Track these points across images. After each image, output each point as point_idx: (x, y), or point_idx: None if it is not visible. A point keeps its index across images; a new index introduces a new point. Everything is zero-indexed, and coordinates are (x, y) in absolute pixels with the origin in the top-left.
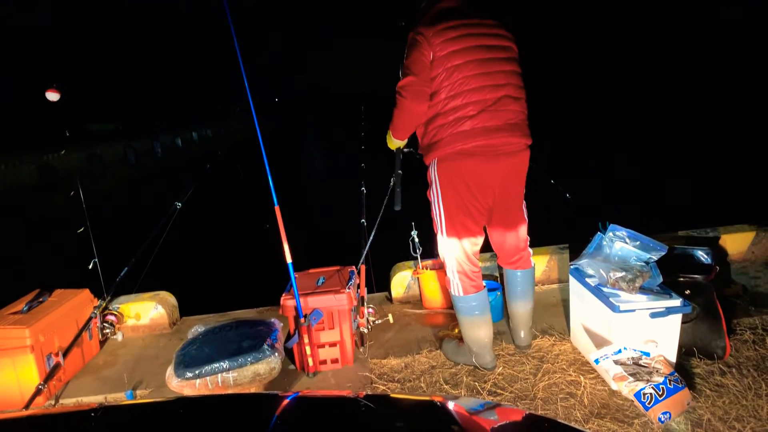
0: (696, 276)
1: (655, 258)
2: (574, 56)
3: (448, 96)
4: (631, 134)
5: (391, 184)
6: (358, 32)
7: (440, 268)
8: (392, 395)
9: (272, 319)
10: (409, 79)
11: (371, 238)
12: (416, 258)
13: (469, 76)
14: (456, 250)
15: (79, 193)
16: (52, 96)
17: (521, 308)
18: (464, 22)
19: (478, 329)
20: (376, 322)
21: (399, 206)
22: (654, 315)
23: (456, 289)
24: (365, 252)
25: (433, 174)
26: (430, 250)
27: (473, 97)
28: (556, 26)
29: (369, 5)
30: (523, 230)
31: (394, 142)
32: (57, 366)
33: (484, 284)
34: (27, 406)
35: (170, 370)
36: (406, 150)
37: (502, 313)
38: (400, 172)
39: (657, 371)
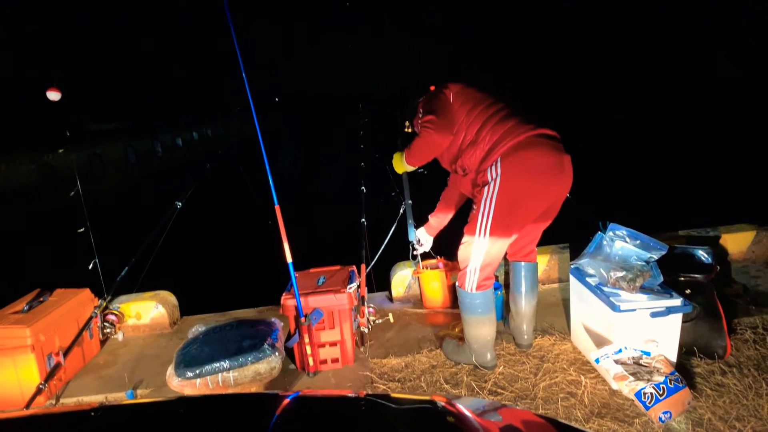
0: (696, 275)
1: (656, 257)
2: (576, 54)
3: (486, 106)
4: (632, 134)
5: (401, 211)
6: (354, 31)
7: (440, 267)
8: (393, 395)
9: (273, 319)
10: (431, 116)
11: (384, 244)
12: (416, 257)
13: (491, 93)
14: (492, 248)
15: (79, 193)
16: (53, 95)
17: (527, 305)
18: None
19: (483, 327)
20: (377, 321)
21: (414, 237)
22: (654, 314)
23: (470, 285)
24: (378, 254)
25: (494, 172)
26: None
27: (504, 102)
28: (558, 25)
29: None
30: (545, 228)
31: (405, 167)
32: (57, 365)
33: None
34: (28, 406)
35: (171, 370)
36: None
37: (501, 313)
38: (410, 201)
39: (657, 371)
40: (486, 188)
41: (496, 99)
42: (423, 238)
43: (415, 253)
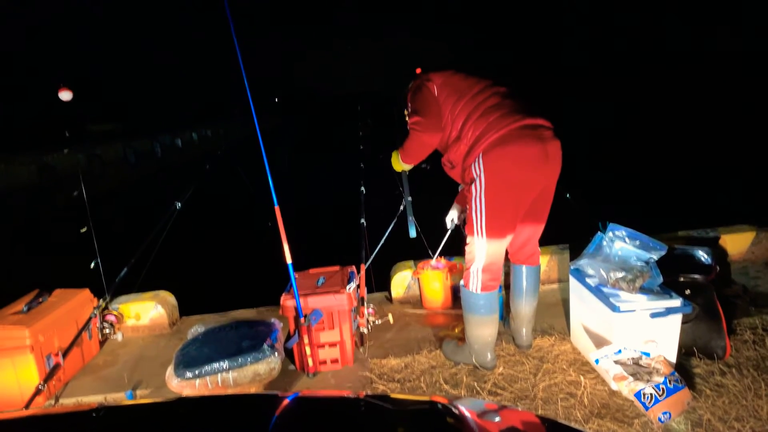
0: (696, 276)
1: (656, 258)
2: (577, 52)
3: (471, 97)
4: (632, 133)
5: (402, 208)
6: (352, 32)
7: (441, 268)
8: (392, 395)
9: (272, 319)
10: (418, 117)
11: (382, 241)
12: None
13: (476, 80)
14: (492, 247)
15: (82, 193)
16: (65, 95)
17: (527, 307)
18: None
19: (485, 327)
20: (376, 322)
21: (414, 233)
22: (654, 315)
23: (475, 285)
24: (375, 251)
25: (477, 169)
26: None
27: (491, 90)
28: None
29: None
30: (543, 226)
31: (402, 166)
32: (57, 366)
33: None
34: (27, 406)
35: (170, 370)
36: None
37: (502, 314)
38: (410, 198)
39: (657, 371)
40: (473, 186)
41: (484, 87)
42: (455, 213)
43: (455, 224)
